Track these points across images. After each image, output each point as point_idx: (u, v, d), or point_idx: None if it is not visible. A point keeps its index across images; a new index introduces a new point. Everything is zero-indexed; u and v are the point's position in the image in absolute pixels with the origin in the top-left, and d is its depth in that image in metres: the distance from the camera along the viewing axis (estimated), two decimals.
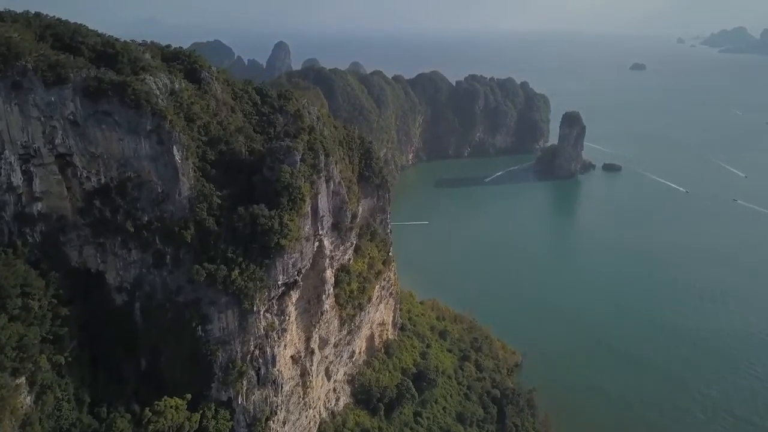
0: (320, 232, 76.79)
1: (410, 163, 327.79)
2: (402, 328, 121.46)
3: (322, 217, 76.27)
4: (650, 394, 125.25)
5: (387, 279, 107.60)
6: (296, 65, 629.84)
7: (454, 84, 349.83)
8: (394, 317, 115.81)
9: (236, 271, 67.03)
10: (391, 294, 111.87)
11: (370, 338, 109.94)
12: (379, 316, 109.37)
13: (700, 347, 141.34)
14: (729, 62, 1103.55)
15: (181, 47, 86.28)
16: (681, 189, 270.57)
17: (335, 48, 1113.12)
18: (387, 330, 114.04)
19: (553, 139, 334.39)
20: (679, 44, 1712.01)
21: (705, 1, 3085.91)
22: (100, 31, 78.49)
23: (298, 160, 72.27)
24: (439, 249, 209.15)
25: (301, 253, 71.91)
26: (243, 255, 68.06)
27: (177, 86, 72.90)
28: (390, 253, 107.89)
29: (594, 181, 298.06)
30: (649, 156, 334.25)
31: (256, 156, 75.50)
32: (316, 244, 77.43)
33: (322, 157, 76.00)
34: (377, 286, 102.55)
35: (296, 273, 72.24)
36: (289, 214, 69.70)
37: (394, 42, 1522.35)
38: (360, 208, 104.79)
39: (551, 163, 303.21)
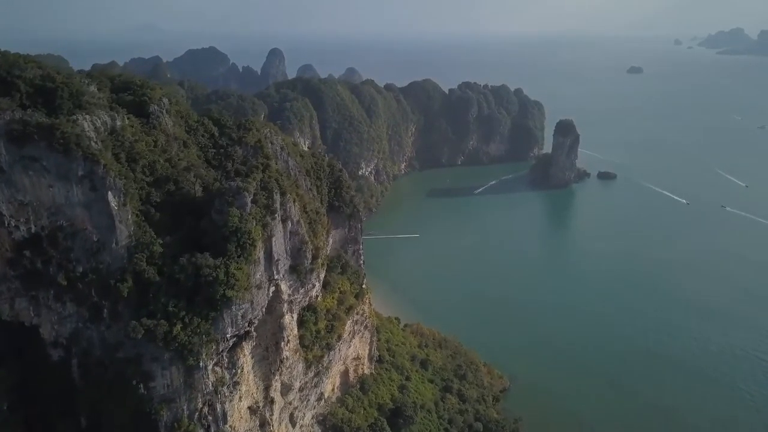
0: (276, 277, 71.79)
1: (403, 172, 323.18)
2: (380, 361, 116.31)
3: (278, 260, 71.22)
4: (640, 423, 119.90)
5: (361, 313, 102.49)
6: (291, 72, 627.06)
7: (447, 92, 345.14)
8: (370, 350, 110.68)
9: (178, 326, 61.99)
10: (366, 327, 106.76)
11: (344, 373, 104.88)
12: (353, 351, 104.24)
13: (693, 374, 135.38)
14: (727, 64, 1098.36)
15: (134, 79, 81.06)
16: (682, 200, 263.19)
17: (331, 53, 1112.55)
18: (362, 364, 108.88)
19: (548, 146, 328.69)
20: (677, 46, 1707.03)
21: (702, 2, 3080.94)
22: (40, 64, 73.37)
23: (249, 201, 67.25)
24: (428, 264, 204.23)
25: (252, 303, 66.87)
26: (186, 308, 62.99)
27: (119, 123, 67.94)
28: (363, 286, 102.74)
29: (588, 191, 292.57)
30: (645, 163, 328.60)
31: (210, 194, 70.53)
32: (272, 289, 72.42)
33: (277, 197, 70.96)
34: (349, 322, 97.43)
35: (247, 324, 67.22)
36: (237, 262, 64.66)
37: (391, 47, 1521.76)
38: (331, 239, 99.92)
39: (545, 173, 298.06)
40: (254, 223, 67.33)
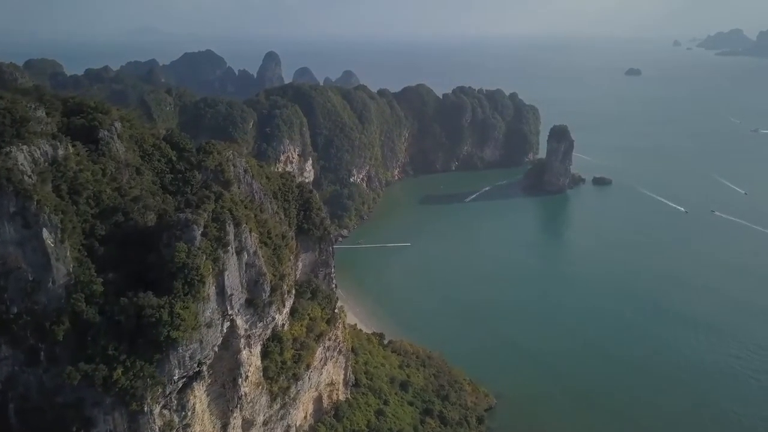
0: (230, 312, 68.19)
1: (396, 178, 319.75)
2: (356, 385, 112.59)
3: (231, 295, 67.62)
4: None
5: (333, 338, 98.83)
6: (288, 75, 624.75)
7: (440, 97, 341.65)
8: (345, 375, 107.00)
9: (119, 370, 58.41)
10: (340, 352, 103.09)
11: (318, 400, 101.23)
12: (326, 377, 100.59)
13: (683, 393, 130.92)
14: (725, 65, 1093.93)
15: (88, 101, 77.42)
16: (680, 209, 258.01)
17: (329, 56, 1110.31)
18: (337, 390, 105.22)
19: (543, 151, 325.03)
20: (676, 47, 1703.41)
21: (702, 3, 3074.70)
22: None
23: (198, 235, 63.64)
24: (417, 275, 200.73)
25: (201, 342, 63.25)
26: (128, 351, 59.40)
27: (61, 152, 64.41)
28: (336, 310, 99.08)
29: (583, 198, 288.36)
30: (640, 168, 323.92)
31: (159, 226, 66.98)
32: (227, 324, 68.81)
33: (231, 228, 67.34)
34: (320, 349, 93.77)
35: (196, 365, 63.62)
36: (184, 301, 61.05)
37: (390, 49, 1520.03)
38: (300, 264, 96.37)
39: (539, 178, 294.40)
40: (204, 258, 63.70)
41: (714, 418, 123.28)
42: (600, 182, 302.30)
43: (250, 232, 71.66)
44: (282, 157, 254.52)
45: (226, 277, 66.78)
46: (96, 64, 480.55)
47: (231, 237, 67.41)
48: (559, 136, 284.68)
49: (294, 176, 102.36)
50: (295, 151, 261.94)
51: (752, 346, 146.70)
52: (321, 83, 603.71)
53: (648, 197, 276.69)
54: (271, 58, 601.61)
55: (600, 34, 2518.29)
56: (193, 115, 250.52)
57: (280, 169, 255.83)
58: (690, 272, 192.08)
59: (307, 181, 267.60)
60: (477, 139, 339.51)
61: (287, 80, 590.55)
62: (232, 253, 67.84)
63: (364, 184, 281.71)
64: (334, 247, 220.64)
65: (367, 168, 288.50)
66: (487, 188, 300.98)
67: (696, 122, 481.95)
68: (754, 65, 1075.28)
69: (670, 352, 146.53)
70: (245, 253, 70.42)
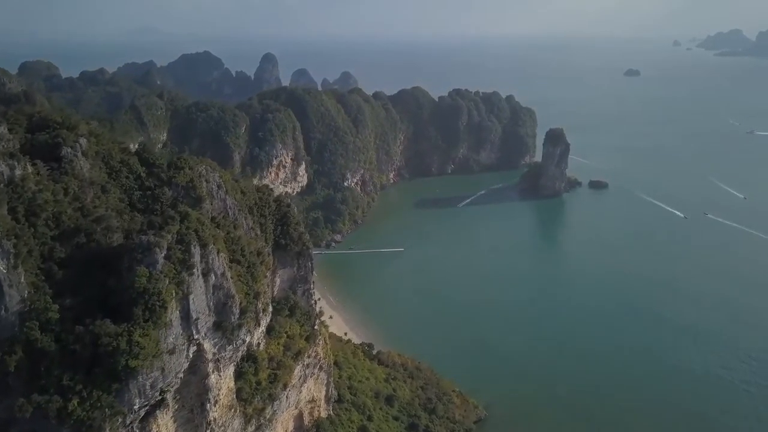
0: (196, 337, 65.85)
1: (392, 181, 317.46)
2: (339, 400, 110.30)
3: (197, 319, 65.25)
4: None
5: (313, 355, 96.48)
6: (285, 77, 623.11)
7: (436, 99, 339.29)
8: (327, 391, 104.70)
9: (75, 401, 56.07)
10: (321, 368, 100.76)
11: (298, 417, 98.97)
12: (306, 394, 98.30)
13: (675, 405, 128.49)
14: (725, 66, 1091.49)
15: (52, 117, 75.16)
16: (679, 214, 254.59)
17: (328, 56, 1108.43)
18: (318, 406, 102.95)
19: (539, 154, 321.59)
20: (675, 47, 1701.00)
21: (702, 4, 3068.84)
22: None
23: (160, 258, 61.29)
24: (409, 282, 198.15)
25: (163, 370, 60.90)
26: (84, 381, 57.05)
27: (18, 172, 62.13)
28: (316, 327, 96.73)
29: (579, 202, 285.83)
30: (638, 171, 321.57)
31: (122, 248, 64.63)
32: (193, 349, 66.48)
33: (196, 250, 64.99)
34: (298, 367, 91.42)
35: (158, 393, 61.30)
36: (144, 328, 58.66)
37: (389, 49, 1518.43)
38: (278, 280, 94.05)
39: (535, 182, 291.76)
40: (166, 282, 61.33)
41: (706, 430, 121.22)
42: (596, 186, 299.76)
43: (218, 252, 69.27)
44: (275, 162, 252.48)
45: (191, 301, 64.43)
46: (95, 65, 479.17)
47: (196, 259, 65.07)
48: (555, 139, 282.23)
49: (272, 190, 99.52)
50: (288, 156, 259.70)
51: (745, 357, 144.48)
52: (319, 84, 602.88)
53: (645, 201, 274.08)
54: (268, 60, 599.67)
55: (600, 34, 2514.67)
56: (185, 119, 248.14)
57: (272, 174, 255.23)
58: (686, 280, 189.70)
59: (300, 185, 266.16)
60: (473, 142, 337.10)
61: (285, 81, 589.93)
62: (198, 276, 65.46)
63: (359, 188, 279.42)
64: (327, 252, 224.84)
65: (362, 172, 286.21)
66: (482, 192, 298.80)
67: (695, 123, 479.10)
68: (754, 65, 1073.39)
69: (663, 363, 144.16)
70: (212, 274, 68.05)
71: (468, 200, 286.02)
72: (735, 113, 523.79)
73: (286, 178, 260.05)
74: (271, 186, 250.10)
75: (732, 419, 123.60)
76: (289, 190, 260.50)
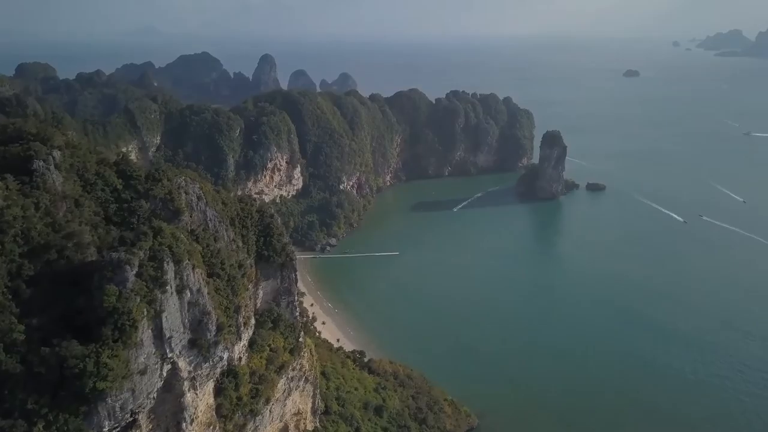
0: (169, 355, 64.19)
1: (388, 184, 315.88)
2: (326, 412, 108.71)
3: (170, 337, 63.56)
4: None
5: (298, 368, 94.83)
6: (283, 78, 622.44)
7: (433, 101, 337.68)
8: (313, 403, 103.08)
9: (40, 425, 54.44)
10: (307, 380, 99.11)
11: (284, 430, 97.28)
12: (292, 407, 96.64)
13: (669, 418, 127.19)
14: (724, 66, 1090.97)
15: (27, 128, 73.39)
16: (678, 218, 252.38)
17: (328, 57, 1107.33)
18: (305, 419, 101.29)
19: (537, 156, 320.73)
20: (675, 47, 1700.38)
21: (702, 4, 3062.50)
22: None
23: (131, 276, 59.61)
24: (404, 286, 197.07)
25: (134, 391, 59.24)
26: (50, 404, 55.39)
27: None
28: (300, 339, 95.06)
29: (576, 204, 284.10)
30: (636, 174, 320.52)
31: (92, 265, 62.93)
32: (167, 367, 64.84)
33: (170, 266, 63.28)
34: (282, 381, 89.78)
35: (129, 415, 59.63)
36: (112, 349, 56.97)
37: (389, 50, 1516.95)
38: (261, 292, 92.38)
39: (532, 185, 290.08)
40: (137, 301, 59.64)
41: None
42: (594, 188, 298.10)
43: (194, 268, 67.61)
44: (269, 165, 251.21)
45: (164, 319, 62.76)
46: (94, 66, 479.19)
47: (170, 276, 63.38)
48: (552, 141, 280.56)
49: (255, 200, 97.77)
50: (283, 159, 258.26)
51: (738, 365, 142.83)
52: (317, 86, 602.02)
53: (643, 204, 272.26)
54: (266, 61, 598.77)
55: (599, 34, 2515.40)
56: (179, 122, 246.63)
57: (267, 177, 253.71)
58: (682, 285, 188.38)
59: (295, 188, 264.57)
60: (470, 145, 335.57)
61: (283, 83, 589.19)
62: (172, 293, 63.78)
63: (354, 191, 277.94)
64: (322, 256, 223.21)
65: (358, 175, 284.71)
66: (479, 194, 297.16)
67: (694, 124, 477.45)
68: (753, 66, 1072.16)
69: (657, 370, 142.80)
70: (187, 291, 66.40)
71: (464, 203, 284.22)
72: (734, 114, 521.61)
73: (281, 181, 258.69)
74: (266, 189, 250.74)
75: (724, 429, 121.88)
76: (284, 194, 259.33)
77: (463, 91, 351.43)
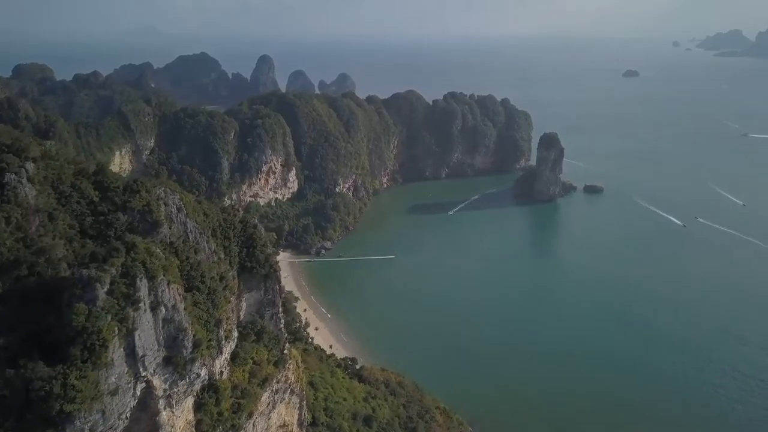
0: (143, 374, 62.49)
1: (385, 186, 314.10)
2: (313, 424, 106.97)
3: (144, 356, 61.81)
4: None
5: (283, 380, 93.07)
6: (282, 78, 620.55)
7: (431, 103, 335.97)
8: (300, 415, 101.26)
9: None
10: (293, 392, 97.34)
11: None
12: (277, 419, 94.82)
13: (670, 422, 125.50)
14: (724, 66, 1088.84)
15: (4, 138, 71.71)
16: (677, 222, 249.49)
17: (327, 57, 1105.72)
18: (291, 431, 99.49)
19: (535, 158, 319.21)
20: (675, 48, 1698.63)
21: (701, 4, 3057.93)
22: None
23: (101, 294, 57.91)
24: (398, 291, 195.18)
25: (104, 413, 57.48)
26: (15, 427, 53.78)
27: None
28: (285, 351, 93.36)
29: (573, 207, 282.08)
30: (634, 175, 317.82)
31: (62, 282, 61.28)
32: (141, 386, 63.13)
33: (143, 283, 61.58)
34: (265, 394, 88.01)
35: None
36: (81, 369, 55.27)
37: (389, 50, 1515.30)
38: (244, 304, 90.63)
39: (529, 187, 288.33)
40: (108, 319, 57.92)
41: None
42: (591, 190, 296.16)
43: (169, 283, 65.87)
44: (264, 168, 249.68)
45: (137, 337, 61.00)
46: (92, 67, 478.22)
47: (143, 293, 61.63)
48: (549, 144, 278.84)
49: (238, 210, 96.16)
50: (278, 161, 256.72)
51: (733, 372, 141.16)
52: (316, 86, 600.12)
53: (641, 207, 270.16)
54: (264, 62, 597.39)
55: (599, 34, 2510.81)
56: (173, 125, 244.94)
57: (262, 180, 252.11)
58: (680, 290, 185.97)
59: (291, 191, 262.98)
60: (467, 146, 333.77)
61: (281, 83, 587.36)
62: (145, 310, 62.04)
63: (351, 194, 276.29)
64: (317, 260, 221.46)
65: (354, 177, 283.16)
66: (476, 197, 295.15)
67: (693, 125, 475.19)
68: (753, 66, 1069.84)
69: (652, 377, 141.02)
70: (162, 307, 64.64)
71: (461, 205, 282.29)
72: (733, 115, 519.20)
73: (276, 184, 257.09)
74: (261, 192, 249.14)
75: None
76: (279, 197, 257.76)
77: (461, 93, 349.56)
